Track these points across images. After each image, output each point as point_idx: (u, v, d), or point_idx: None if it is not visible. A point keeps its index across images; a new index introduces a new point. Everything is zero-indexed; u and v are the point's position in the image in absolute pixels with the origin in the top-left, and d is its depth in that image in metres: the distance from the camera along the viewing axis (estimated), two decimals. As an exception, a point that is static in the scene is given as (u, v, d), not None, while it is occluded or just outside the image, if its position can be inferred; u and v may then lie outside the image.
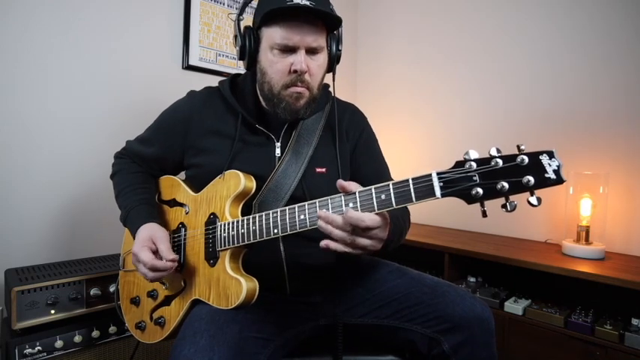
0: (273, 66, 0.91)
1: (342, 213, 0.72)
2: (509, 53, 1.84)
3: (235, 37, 0.97)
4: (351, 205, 0.72)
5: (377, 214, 0.71)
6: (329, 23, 0.93)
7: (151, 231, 0.94)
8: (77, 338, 1.18)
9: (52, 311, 1.16)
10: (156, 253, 0.91)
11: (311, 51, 0.91)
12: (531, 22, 1.77)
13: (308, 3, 0.85)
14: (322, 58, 0.95)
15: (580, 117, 1.62)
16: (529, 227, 1.75)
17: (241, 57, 0.96)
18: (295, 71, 0.89)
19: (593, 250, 1.41)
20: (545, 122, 1.72)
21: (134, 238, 0.96)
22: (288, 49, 0.89)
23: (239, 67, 1.97)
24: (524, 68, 1.79)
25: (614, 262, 1.37)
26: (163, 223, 1.04)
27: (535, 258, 1.39)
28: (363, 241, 0.73)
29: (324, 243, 0.73)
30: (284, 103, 0.93)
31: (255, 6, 0.97)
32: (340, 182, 0.75)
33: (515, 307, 1.39)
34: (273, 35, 0.89)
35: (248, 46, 0.94)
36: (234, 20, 0.97)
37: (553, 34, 1.70)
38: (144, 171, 1.09)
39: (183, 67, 1.80)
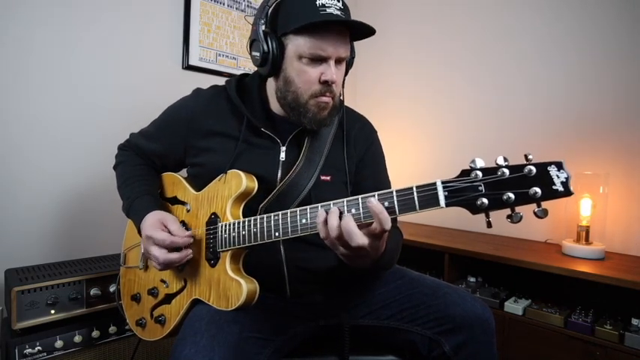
0: (302, 75, 0.88)
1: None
2: (509, 57, 1.84)
3: (253, 41, 0.92)
4: (353, 211, 0.71)
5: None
6: (354, 34, 0.92)
7: (158, 215, 0.93)
8: (77, 338, 1.18)
9: (52, 311, 1.16)
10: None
11: (338, 61, 0.89)
12: (530, 25, 1.77)
13: (340, 13, 0.84)
14: (344, 67, 0.94)
15: (580, 117, 1.62)
16: (529, 227, 1.75)
17: (262, 64, 0.91)
18: (325, 82, 0.87)
19: (593, 250, 1.41)
20: (546, 123, 1.72)
21: (138, 228, 0.95)
22: (319, 59, 0.87)
23: (239, 67, 1.97)
24: (523, 71, 1.79)
25: (614, 262, 1.37)
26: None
27: (535, 258, 1.39)
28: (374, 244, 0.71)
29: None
30: (310, 113, 0.90)
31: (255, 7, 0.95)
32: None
33: (515, 307, 1.39)
34: (302, 44, 0.86)
35: (273, 53, 0.89)
36: (255, 24, 0.92)
37: (552, 36, 1.70)
38: (146, 164, 1.09)
39: (183, 67, 1.80)
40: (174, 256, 0.88)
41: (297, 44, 0.87)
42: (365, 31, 0.88)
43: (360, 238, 0.68)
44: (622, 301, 1.31)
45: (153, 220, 0.92)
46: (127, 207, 1.01)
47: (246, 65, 1.97)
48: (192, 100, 1.04)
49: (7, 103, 1.38)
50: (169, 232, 0.90)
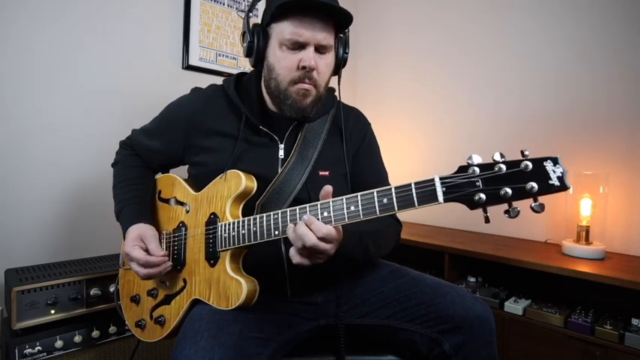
0: (282, 62, 0.91)
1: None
2: (508, 56, 1.84)
3: (243, 34, 0.97)
4: (352, 208, 0.72)
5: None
6: (338, 23, 0.93)
7: (139, 230, 0.96)
8: (77, 338, 1.18)
9: (52, 311, 1.16)
10: (147, 251, 0.93)
11: (320, 49, 0.91)
12: (530, 24, 1.77)
13: None
14: (330, 58, 0.95)
15: (580, 117, 1.62)
16: (529, 227, 1.75)
17: (248, 54, 0.96)
18: (304, 67, 0.89)
19: (593, 250, 1.41)
20: (545, 123, 1.72)
21: (124, 238, 0.98)
22: (298, 46, 0.89)
23: (239, 67, 1.97)
24: (523, 70, 1.79)
25: (614, 262, 1.37)
26: (162, 221, 1.05)
27: (535, 258, 1.39)
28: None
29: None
30: (290, 100, 0.92)
31: (259, 8, 0.97)
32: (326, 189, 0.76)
33: (515, 307, 1.39)
34: (283, 30, 0.89)
35: (257, 42, 0.93)
36: (244, 17, 0.97)
37: (552, 35, 1.70)
38: (143, 165, 1.10)
39: (183, 67, 1.80)
40: (153, 270, 0.92)
41: (277, 32, 0.90)
42: (342, 13, 0.89)
43: (325, 230, 0.72)
44: (622, 301, 1.31)
45: (133, 236, 0.95)
46: (116, 212, 1.04)
47: (246, 65, 1.97)
48: (190, 99, 1.05)
49: (9, 103, 1.38)
50: (147, 248, 0.93)
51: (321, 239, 0.72)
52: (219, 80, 1.07)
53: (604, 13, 1.57)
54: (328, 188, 0.76)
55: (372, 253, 0.94)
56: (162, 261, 0.92)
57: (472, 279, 1.64)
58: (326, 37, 0.90)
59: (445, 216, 2.05)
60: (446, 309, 0.87)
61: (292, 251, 0.76)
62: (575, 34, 1.64)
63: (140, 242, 0.94)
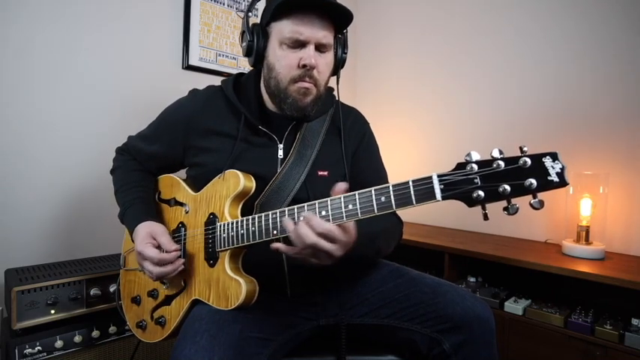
0: (282, 60, 0.91)
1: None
2: (508, 56, 1.84)
3: (242, 33, 0.97)
4: (350, 207, 0.72)
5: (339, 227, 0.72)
6: (338, 22, 0.93)
7: (148, 228, 0.95)
8: (77, 338, 1.18)
9: (52, 311, 1.16)
10: (159, 248, 0.92)
11: (320, 47, 0.91)
12: (530, 24, 1.77)
13: None
14: (330, 57, 0.95)
15: (580, 117, 1.62)
16: (529, 227, 1.75)
17: (248, 53, 0.96)
18: (304, 66, 0.89)
19: (593, 250, 1.41)
20: (545, 122, 1.72)
21: (132, 237, 0.97)
22: (298, 44, 0.89)
23: (239, 67, 1.97)
24: (523, 70, 1.79)
25: (614, 262, 1.37)
26: (163, 222, 1.04)
27: (535, 258, 1.39)
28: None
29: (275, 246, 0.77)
30: (290, 99, 0.92)
31: (258, 7, 0.97)
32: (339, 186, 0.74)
33: (515, 307, 1.39)
34: (283, 29, 0.89)
35: (256, 41, 0.93)
36: (243, 17, 0.97)
37: (552, 35, 1.70)
38: (142, 169, 1.10)
39: (183, 67, 1.80)
40: (167, 269, 0.90)
41: (277, 30, 0.90)
42: (342, 11, 0.89)
43: (310, 238, 0.71)
44: (622, 301, 1.30)
45: (143, 234, 0.93)
46: (121, 214, 1.03)
47: (246, 65, 1.97)
48: (189, 100, 1.05)
49: (9, 103, 1.38)
50: (159, 244, 0.92)
51: (321, 235, 0.71)
52: (219, 80, 1.06)
53: (604, 13, 1.57)
54: (342, 186, 0.74)
55: (382, 254, 0.95)
56: (176, 256, 0.90)
57: (472, 279, 1.64)
58: (326, 36, 0.90)
59: (445, 216, 2.05)
60: (445, 308, 0.87)
61: (281, 245, 0.76)
62: (575, 33, 1.64)
63: (151, 239, 0.92)
